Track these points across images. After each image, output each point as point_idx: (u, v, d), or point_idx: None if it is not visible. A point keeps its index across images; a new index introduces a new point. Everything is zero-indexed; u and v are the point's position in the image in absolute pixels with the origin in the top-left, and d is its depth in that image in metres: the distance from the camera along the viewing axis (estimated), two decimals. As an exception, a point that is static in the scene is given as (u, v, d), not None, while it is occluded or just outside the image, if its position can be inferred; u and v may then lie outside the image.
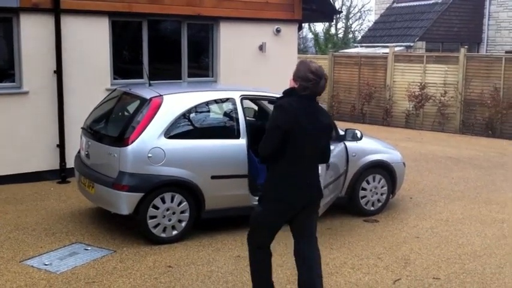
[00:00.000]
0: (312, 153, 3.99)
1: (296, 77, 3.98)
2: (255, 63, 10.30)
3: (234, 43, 10.02)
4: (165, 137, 5.72)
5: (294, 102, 3.91)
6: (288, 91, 4.04)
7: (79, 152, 6.60)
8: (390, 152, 7.27)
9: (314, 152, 4.01)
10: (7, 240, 5.79)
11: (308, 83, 3.90)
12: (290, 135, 3.85)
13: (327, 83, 4.01)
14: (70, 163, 7.67)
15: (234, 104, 6.24)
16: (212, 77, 10.06)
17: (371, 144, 7.14)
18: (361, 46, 22.56)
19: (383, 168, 7.00)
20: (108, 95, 6.98)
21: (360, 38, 27.79)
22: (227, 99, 6.38)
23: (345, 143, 6.52)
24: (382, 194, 7.00)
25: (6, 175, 7.99)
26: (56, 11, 8.14)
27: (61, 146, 8.34)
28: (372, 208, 6.93)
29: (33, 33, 8.09)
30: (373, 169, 6.91)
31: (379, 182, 6.96)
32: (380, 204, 7.00)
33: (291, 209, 3.98)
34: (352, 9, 35.59)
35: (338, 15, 31.34)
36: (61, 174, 8.30)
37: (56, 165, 8.35)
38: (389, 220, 6.79)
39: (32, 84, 8.14)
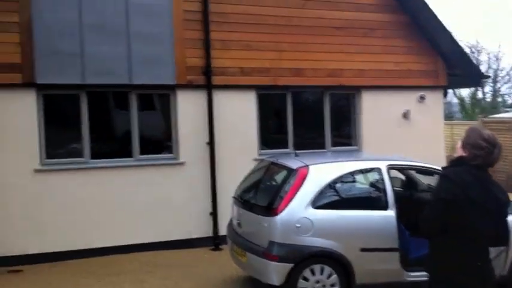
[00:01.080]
0: (482, 230, 3.56)
1: (466, 144, 3.64)
2: (399, 131, 10.11)
3: (376, 111, 9.98)
4: (312, 207, 5.73)
5: (462, 173, 3.55)
6: (456, 160, 3.70)
7: (231, 220, 6.83)
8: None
9: (485, 229, 3.57)
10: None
11: (480, 151, 3.56)
12: (456, 208, 3.49)
13: (501, 152, 3.63)
14: (222, 231, 7.97)
15: (381, 173, 6.12)
16: (355, 145, 10.02)
17: (535, 218, 6.50)
18: (512, 110, 21.18)
19: (551, 245, 6.31)
20: (256, 165, 7.23)
21: (510, 101, 26.13)
22: (373, 169, 6.28)
23: (505, 216, 6.01)
24: (551, 274, 6.27)
25: (164, 241, 8.47)
26: (208, 87, 8.77)
27: (214, 213, 8.73)
28: (541, 289, 6.24)
29: (187, 108, 8.75)
30: (539, 245, 6.26)
31: (547, 259, 6.27)
32: (550, 285, 6.28)
33: None
34: (499, 71, 33.79)
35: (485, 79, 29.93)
36: (214, 242, 8.63)
37: (209, 233, 8.72)
38: None
39: (187, 155, 8.71)
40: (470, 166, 3.61)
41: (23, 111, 7.80)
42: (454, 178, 3.58)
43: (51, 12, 7.87)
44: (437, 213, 3.57)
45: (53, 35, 7.87)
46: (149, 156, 8.64)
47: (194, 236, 8.67)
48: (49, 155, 8.04)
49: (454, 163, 3.73)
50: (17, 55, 7.71)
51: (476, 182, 3.57)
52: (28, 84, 7.77)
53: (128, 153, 8.53)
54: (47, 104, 8.01)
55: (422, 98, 10.25)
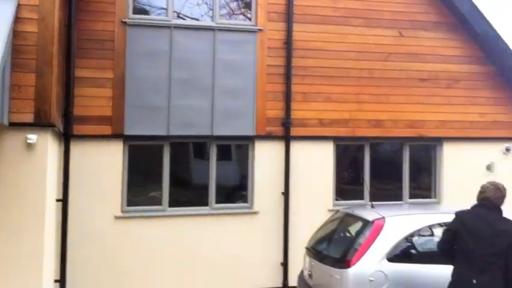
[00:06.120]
0: (482, 255, 4.66)
1: None
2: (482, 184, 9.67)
3: (457, 163, 9.67)
4: (387, 260, 5.61)
5: (468, 211, 4.99)
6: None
7: (302, 271, 6.79)
8: None
9: (486, 254, 4.66)
10: None
11: (481, 194, 5.04)
12: (458, 237, 4.85)
13: (502, 195, 5.04)
14: (292, 282, 7.92)
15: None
16: (435, 198, 9.72)
17: None
18: None
19: None
20: (331, 216, 7.20)
21: None
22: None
23: None
24: None
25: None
26: (286, 138, 8.90)
27: (284, 264, 8.71)
28: None
29: (265, 158, 8.89)
30: None
31: None
32: None
33: None
34: None
35: None
36: (284, 292, 8.58)
37: (278, 283, 8.69)
38: None
39: (261, 204, 8.82)
40: (478, 206, 5.01)
41: (109, 161, 8.21)
42: (457, 214, 5.05)
43: (142, 68, 8.37)
44: (443, 240, 5.07)
45: (143, 89, 8.36)
46: (224, 205, 8.82)
47: (263, 286, 8.64)
48: (130, 203, 8.39)
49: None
50: (109, 108, 8.22)
51: (478, 217, 4.86)
52: (116, 135, 8.26)
53: (205, 202, 8.76)
54: (131, 153, 8.44)
55: (507, 150, 9.84)
